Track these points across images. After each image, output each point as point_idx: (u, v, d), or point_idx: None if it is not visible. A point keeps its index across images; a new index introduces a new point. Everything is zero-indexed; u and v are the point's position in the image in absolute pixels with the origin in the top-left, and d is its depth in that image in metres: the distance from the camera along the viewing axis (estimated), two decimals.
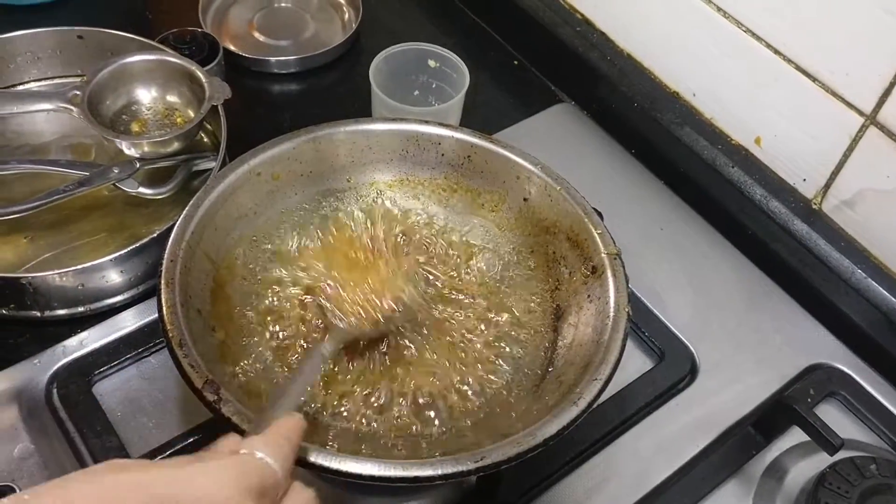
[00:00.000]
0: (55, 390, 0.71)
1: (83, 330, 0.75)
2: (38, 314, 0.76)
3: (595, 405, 0.57)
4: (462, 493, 0.68)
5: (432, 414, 0.63)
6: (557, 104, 1.02)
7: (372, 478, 0.52)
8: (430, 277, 0.71)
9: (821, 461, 0.69)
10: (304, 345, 0.65)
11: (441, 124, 0.74)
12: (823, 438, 0.68)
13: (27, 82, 0.92)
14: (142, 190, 0.83)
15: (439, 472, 0.52)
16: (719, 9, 0.84)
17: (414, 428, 0.62)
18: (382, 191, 0.75)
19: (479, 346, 0.67)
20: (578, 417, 0.56)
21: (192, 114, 0.87)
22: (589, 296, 0.66)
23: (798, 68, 0.79)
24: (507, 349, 0.67)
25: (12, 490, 0.64)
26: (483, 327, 0.68)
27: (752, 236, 0.88)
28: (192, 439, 0.67)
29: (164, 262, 0.61)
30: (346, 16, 1.09)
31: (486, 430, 0.61)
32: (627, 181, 0.93)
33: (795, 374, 0.78)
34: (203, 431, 0.68)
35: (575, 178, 0.72)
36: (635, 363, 0.78)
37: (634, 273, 0.67)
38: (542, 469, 0.70)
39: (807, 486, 0.68)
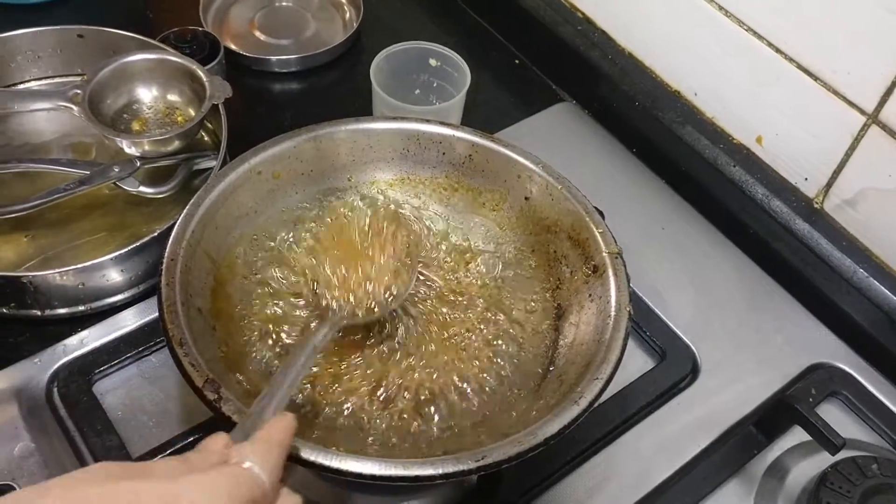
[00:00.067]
0: (55, 389, 0.71)
1: (83, 329, 0.75)
2: (39, 313, 0.76)
3: (596, 404, 0.57)
4: (463, 492, 0.68)
5: (433, 412, 0.63)
6: (558, 103, 1.02)
7: (373, 477, 0.52)
8: (427, 278, 0.71)
9: (822, 461, 0.69)
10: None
11: (442, 123, 0.74)
12: (825, 438, 0.68)
13: (28, 81, 0.91)
14: (142, 189, 0.83)
15: (440, 471, 0.52)
16: (721, 7, 0.84)
17: (415, 427, 0.62)
18: (383, 189, 0.75)
19: (479, 344, 0.67)
20: (579, 417, 0.56)
21: (192, 113, 0.87)
22: (590, 295, 0.66)
23: (800, 67, 0.79)
24: (508, 348, 0.67)
25: (12, 489, 0.64)
26: (483, 326, 0.68)
27: (754, 235, 0.88)
28: (192, 438, 0.67)
29: (165, 260, 0.61)
30: (347, 15, 1.09)
31: (487, 429, 0.61)
32: (629, 180, 0.93)
33: (797, 374, 0.78)
34: (203, 430, 0.67)
35: (576, 177, 0.72)
36: (636, 362, 0.78)
37: (636, 272, 0.67)
38: (543, 468, 0.70)
39: (808, 486, 0.68)
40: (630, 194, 0.92)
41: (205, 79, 0.83)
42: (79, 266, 0.73)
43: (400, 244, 0.67)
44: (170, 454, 0.66)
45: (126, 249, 0.74)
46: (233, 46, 1.01)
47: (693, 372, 0.78)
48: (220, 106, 0.83)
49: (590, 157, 0.95)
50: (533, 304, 0.70)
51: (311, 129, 0.72)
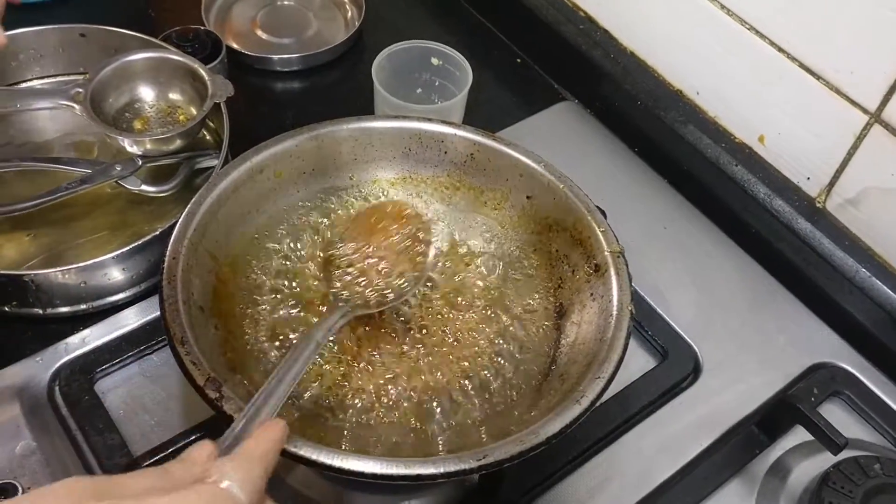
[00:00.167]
0: (57, 388, 0.71)
1: (85, 327, 0.75)
2: (41, 311, 0.76)
3: (598, 404, 0.57)
4: (464, 491, 0.68)
5: (435, 411, 0.63)
6: (560, 102, 1.02)
7: (374, 476, 0.51)
8: (429, 277, 0.70)
9: (824, 460, 0.69)
10: None
11: (444, 122, 0.74)
12: (827, 438, 0.68)
13: (30, 80, 0.91)
14: (144, 187, 0.83)
15: (442, 470, 0.52)
16: (723, 6, 0.83)
17: (416, 426, 0.62)
18: (385, 188, 0.75)
19: (481, 344, 0.67)
20: (581, 416, 0.56)
21: (194, 111, 0.87)
22: (592, 294, 0.66)
23: (802, 66, 0.79)
24: (510, 347, 0.67)
25: (14, 487, 0.64)
26: (485, 326, 0.68)
27: (756, 235, 0.88)
28: (193, 437, 0.67)
29: (167, 259, 0.61)
30: (349, 13, 1.09)
31: (489, 427, 0.61)
32: (630, 179, 0.93)
33: (799, 373, 0.78)
34: (205, 429, 0.67)
35: (578, 176, 0.71)
36: (638, 362, 0.78)
37: (637, 271, 0.67)
38: (544, 467, 0.70)
39: (810, 486, 0.68)
40: (632, 193, 0.91)
41: (206, 78, 0.83)
42: (80, 265, 0.73)
43: (409, 231, 0.66)
44: (170, 454, 0.66)
45: (128, 248, 0.74)
46: (235, 45, 1.01)
47: (695, 371, 0.78)
48: (221, 105, 0.83)
49: (592, 156, 0.95)
50: (535, 303, 0.70)
51: (313, 127, 0.72)
